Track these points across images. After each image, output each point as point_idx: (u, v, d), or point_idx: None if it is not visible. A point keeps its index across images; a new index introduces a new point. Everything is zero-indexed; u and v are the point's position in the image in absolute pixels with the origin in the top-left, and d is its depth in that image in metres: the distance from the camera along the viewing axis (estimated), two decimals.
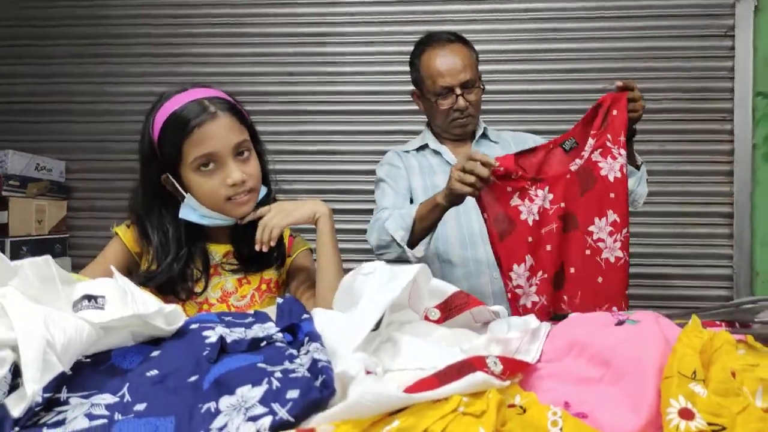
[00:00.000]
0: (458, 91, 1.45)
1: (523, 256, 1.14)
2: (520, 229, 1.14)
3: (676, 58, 2.20)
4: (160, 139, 1.03)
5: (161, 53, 2.33)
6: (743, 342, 0.54)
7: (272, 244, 1.06)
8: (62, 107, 2.35)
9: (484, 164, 1.11)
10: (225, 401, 0.46)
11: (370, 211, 2.21)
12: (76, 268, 2.27)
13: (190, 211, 1.05)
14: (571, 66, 2.23)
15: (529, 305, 1.13)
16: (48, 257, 0.55)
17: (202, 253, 1.10)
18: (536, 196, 1.16)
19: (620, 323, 0.58)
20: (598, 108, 1.19)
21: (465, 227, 1.47)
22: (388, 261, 1.39)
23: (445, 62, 1.46)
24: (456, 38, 1.50)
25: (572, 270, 1.16)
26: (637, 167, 1.34)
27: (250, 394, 0.45)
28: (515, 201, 1.15)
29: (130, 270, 1.09)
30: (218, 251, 1.12)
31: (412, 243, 1.33)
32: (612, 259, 1.15)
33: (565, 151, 1.20)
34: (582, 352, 0.55)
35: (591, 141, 1.18)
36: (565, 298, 1.15)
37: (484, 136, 1.60)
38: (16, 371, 0.48)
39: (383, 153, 2.19)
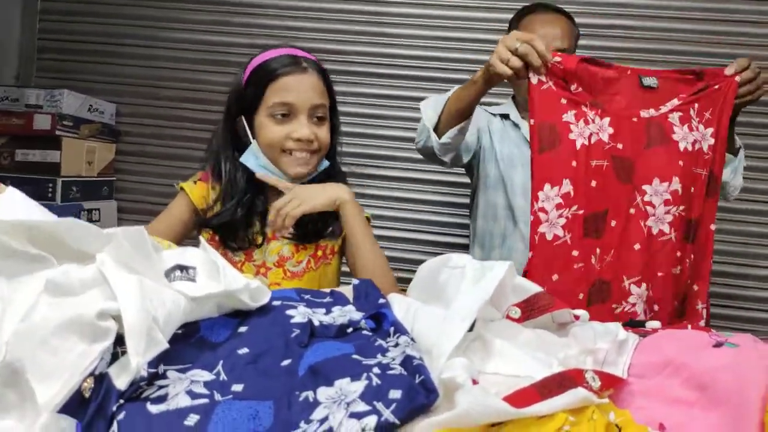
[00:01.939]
0: None
1: (560, 179, 1.00)
2: (565, 148, 1.00)
3: (733, 44, 2.06)
4: (248, 82, 1.08)
5: (214, 1, 2.30)
6: None
7: (285, 233, 1.06)
8: (115, 49, 2.34)
9: (539, 52, 0.98)
10: (324, 392, 0.46)
11: (414, 180, 2.22)
12: (122, 211, 2.32)
13: (251, 157, 1.08)
14: (630, 45, 2.13)
15: (550, 237, 0.99)
16: (141, 228, 0.55)
17: (264, 207, 1.11)
18: (592, 121, 1.02)
19: (718, 345, 0.56)
20: (700, 76, 1.06)
21: None
22: (420, 150, 1.36)
23: (543, 26, 1.41)
24: (559, 10, 1.47)
25: (613, 223, 1.02)
26: (735, 152, 1.21)
27: (349, 387, 0.45)
28: (568, 117, 1.01)
29: (194, 227, 1.12)
30: None
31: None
32: (655, 231, 1.02)
33: (640, 86, 1.05)
34: (676, 372, 0.54)
35: (675, 101, 1.05)
36: (598, 251, 1.01)
37: None
38: (116, 340, 0.48)
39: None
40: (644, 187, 1.03)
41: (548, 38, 1.38)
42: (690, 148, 1.04)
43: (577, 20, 2.14)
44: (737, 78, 1.03)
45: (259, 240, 1.10)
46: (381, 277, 1.00)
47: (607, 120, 1.03)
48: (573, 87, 1.03)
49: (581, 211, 1.00)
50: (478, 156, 1.54)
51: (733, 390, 0.50)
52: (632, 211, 1.03)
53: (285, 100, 1.05)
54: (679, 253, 1.03)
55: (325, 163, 1.12)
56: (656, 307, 1.03)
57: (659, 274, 1.02)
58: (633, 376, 0.55)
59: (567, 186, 1.00)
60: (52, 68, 2.36)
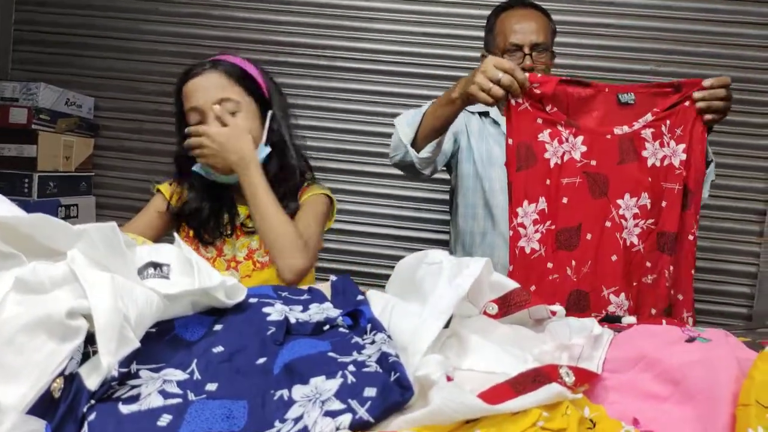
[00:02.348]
0: (527, 50, 1.41)
1: (536, 196, 1.05)
2: (540, 167, 1.05)
3: (727, 44, 2.12)
4: (176, 96, 1.14)
5: None
6: None
7: None
8: (93, 41, 2.30)
9: (519, 81, 1.02)
10: (298, 390, 0.45)
11: (390, 175, 2.22)
12: (101, 207, 2.29)
13: (199, 166, 1.12)
14: (618, 44, 2.16)
15: (528, 250, 1.05)
16: (113, 224, 0.54)
17: (231, 206, 1.17)
18: (566, 140, 1.06)
19: (691, 340, 0.57)
20: (678, 89, 1.07)
21: None
22: (396, 164, 1.36)
23: (519, 21, 1.44)
24: (535, 7, 1.49)
25: (589, 236, 1.06)
26: (707, 163, 1.19)
27: (324, 386, 0.45)
28: (543, 136, 1.06)
29: (171, 225, 1.16)
30: (243, 211, 1.17)
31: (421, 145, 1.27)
32: (629, 243, 1.06)
33: (618, 103, 1.08)
34: (649, 367, 0.54)
35: (648, 116, 1.08)
36: (573, 263, 1.05)
37: None
38: (86, 339, 0.47)
39: None
40: (618, 201, 1.07)
41: (526, 33, 1.41)
42: (658, 164, 1.07)
43: (567, 18, 2.18)
44: (697, 94, 1.05)
45: (228, 231, 1.14)
46: (287, 244, 1.03)
47: (580, 138, 1.07)
48: (548, 108, 1.06)
49: (553, 226, 1.05)
50: (456, 156, 1.55)
51: (705, 384, 0.50)
52: (608, 224, 1.06)
53: (190, 106, 1.09)
54: (648, 264, 1.07)
55: (264, 150, 1.11)
56: (637, 316, 1.01)
57: (634, 283, 1.07)
58: (607, 371, 0.56)
59: (542, 203, 1.05)
60: (29, 60, 2.32)
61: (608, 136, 1.07)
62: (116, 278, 0.50)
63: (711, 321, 2.15)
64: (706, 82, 1.06)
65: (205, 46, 2.23)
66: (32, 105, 1.97)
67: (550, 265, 1.05)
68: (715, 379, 0.50)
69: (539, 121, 1.06)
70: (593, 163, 1.06)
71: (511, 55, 1.41)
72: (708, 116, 1.06)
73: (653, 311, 1.07)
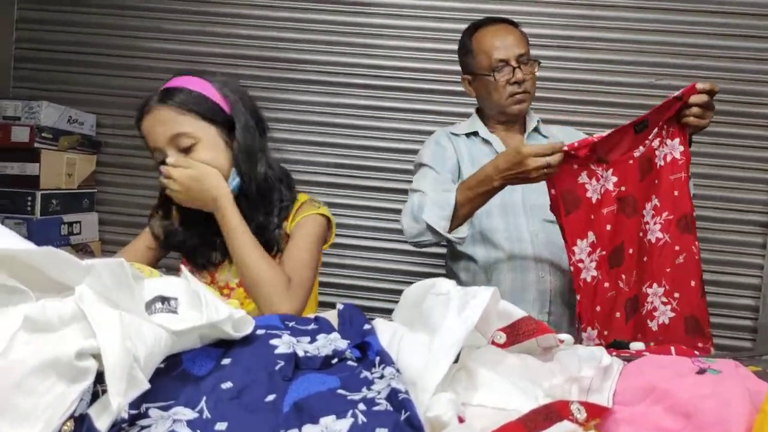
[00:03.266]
0: (514, 63, 1.43)
1: (585, 232, 1.18)
2: (584, 206, 1.18)
3: (727, 58, 2.13)
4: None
5: (196, 11, 2.28)
6: None
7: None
8: (94, 59, 2.31)
9: (553, 152, 1.12)
10: (309, 430, 0.45)
11: (394, 191, 2.22)
12: (104, 224, 2.29)
13: None
14: (618, 57, 2.17)
15: (588, 279, 1.18)
16: (122, 260, 0.54)
17: (218, 234, 1.10)
18: (601, 176, 1.18)
19: (701, 371, 0.56)
20: (676, 100, 1.16)
21: (512, 224, 1.45)
22: (422, 245, 1.38)
23: (498, 36, 1.46)
24: (505, 20, 1.51)
25: (630, 251, 1.21)
26: None
27: (335, 426, 0.45)
28: (583, 179, 1.18)
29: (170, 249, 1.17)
30: None
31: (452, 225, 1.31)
32: (653, 240, 1.21)
33: (635, 133, 1.21)
34: (660, 400, 0.54)
35: (656, 130, 1.20)
36: (623, 276, 1.20)
37: (536, 130, 1.57)
38: (95, 378, 0.47)
39: (414, 132, 2.19)
40: (643, 212, 1.23)
41: (508, 47, 1.44)
42: (662, 163, 1.22)
43: (568, 33, 2.19)
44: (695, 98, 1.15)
45: (218, 258, 1.12)
46: (271, 291, 1.00)
47: (610, 171, 1.19)
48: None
49: (604, 252, 1.19)
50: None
51: (717, 418, 0.50)
52: (641, 234, 1.23)
53: (150, 146, 1.06)
54: (677, 247, 1.20)
55: (235, 180, 1.07)
56: (676, 295, 1.20)
57: (667, 269, 1.20)
58: (618, 404, 0.56)
59: (591, 236, 1.19)
60: (30, 78, 2.33)
61: (630, 162, 1.20)
62: (125, 316, 0.50)
63: (716, 334, 2.13)
64: (699, 86, 1.14)
65: (207, 63, 2.24)
66: (34, 123, 1.98)
67: (606, 284, 1.19)
68: (727, 412, 0.50)
69: (575, 166, 1.18)
70: (623, 189, 1.20)
71: (500, 72, 1.42)
72: (691, 119, 1.16)
73: (692, 283, 1.20)
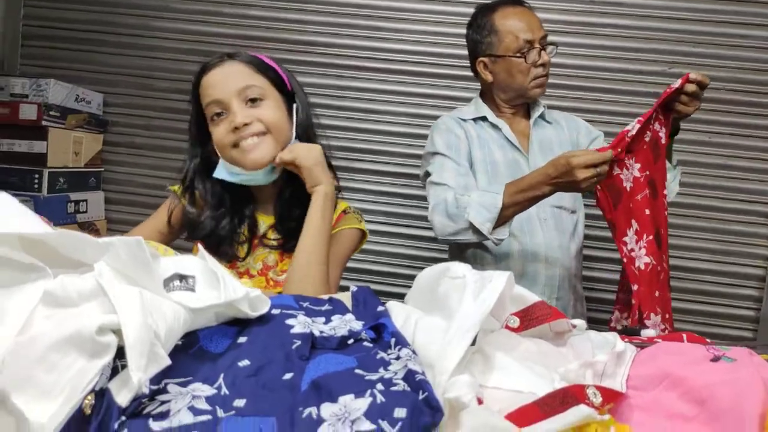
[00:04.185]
0: (539, 45, 1.42)
1: (630, 221, 1.19)
2: (625, 197, 1.20)
3: (741, 47, 2.11)
4: (192, 100, 1.08)
5: None
6: None
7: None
8: (103, 37, 2.30)
9: (603, 162, 1.14)
10: (327, 409, 0.45)
11: (403, 175, 2.21)
12: (110, 203, 2.30)
13: (222, 170, 1.05)
14: (629, 44, 2.14)
15: (642, 267, 1.18)
16: (140, 238, 0.54)
17: (251, 219, 1.10)
18: (630, 166, 1.20)
19: (716, 359, 0.56)
20: (675, 92, 1.19)
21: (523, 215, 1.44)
22: (452, 239, 1.34)
23: (524, 18, 1.44)
24: (521, 2, 1.49)
25: (662, 231, 1.23)
26: (673, 166, 1.37)
27: (354, 405, 0.45)
28: (616, 170, 1.19)
29: (186, 227, 1.12)
30: (265, 222, 1.11)
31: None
32: (666, 214, 1.26)
33: (649, 123, 1.24)
34: (674, 386, 0.54)
35: (654, 115, 1.22)
36: (664, 257, 1.22)
37: (541, 116, 1.56)
38: (116, 353, 0.48)
39: (421, 116, 2.17)
40: (664, 192, 1.26)
41: (534, 29, 1.44)
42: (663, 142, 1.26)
43: (579, 18, 2.17)
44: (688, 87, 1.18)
45: (243, 253, 1.08)
46: (299, 281, 0.97)
47: (633, 158, 1.21)
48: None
49: (651, 236, 1.20)
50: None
51: (731, 406, 0.50)
52: (666, 213, 1.25)
53: (212, 98, 1.02)
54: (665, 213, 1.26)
55: (294, 143, 1.06)
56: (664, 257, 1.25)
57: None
58: (631, 389, 0.56)
59: (635, 224, 1.20)
60: (38, 55, 2.32)
61: (645, 147, 1.22)
62: (144, 293, 0.50)
63: (719, 323, 2.15)
64: (691, 76, 1.17)
65: (216, 43, 2.23)
66: (42, 101, 1.98)
67: (659, 268, 1.20)
68: (742, 400, 0.50)
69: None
70: (647, 172, 1.22)
71: (529, 53, 1.41)
72: (680, 107, 1.21)
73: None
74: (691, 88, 1.18)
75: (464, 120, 1.52)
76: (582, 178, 1.13)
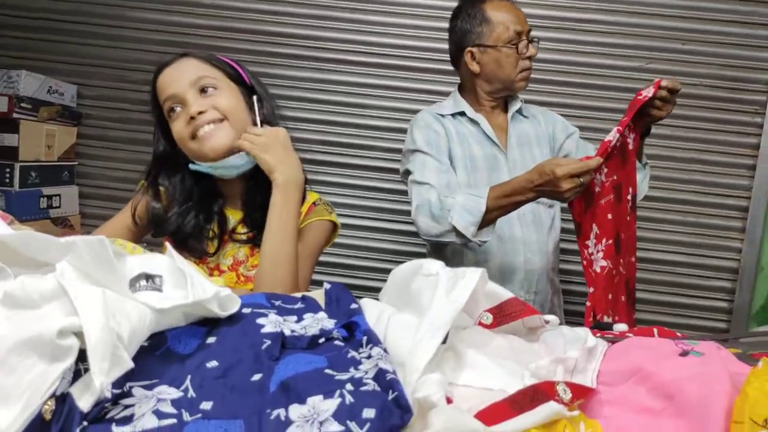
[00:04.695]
0: (527, 37, 1.43)
1: (591, 224, 1.22)
2: (595, 200, 1.22)
3: (716, 43, 2.13)
4: (151, 100, 1.08)
5: None
6: None
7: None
8: (77, 27, 2.25)
9: (587, 172, 1.15)
10: (296, 410, 0.45)
11: (385, 170, 2.20)
12: (84, 197, 2.26)
13: (195, 165, 1.04)
14: (608, 40, 2.16)
15: (598, 270, 1.21)
16: (103, 238, 0.52)
17: (220, 214, 1.08)
18: (601, 171, 1.21)
19: (684, 354, 0.57)
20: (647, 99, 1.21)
21: None
22: (435, 239, 1.34)
23: (513, 9, 1.45)
24: None
25: (623, 236, 1.25)
26: (643, 165, 1.39)
27: (322, 406, 0.44)
28: (591, 174, 1.21)
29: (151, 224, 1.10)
30: (234, 217, 1.09)
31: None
32: (628, 218, 1.28)
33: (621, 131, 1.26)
34: (643, 381, 0.55)
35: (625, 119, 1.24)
36: (622, 261, 1.24)
37: (518, 111, 1.56)
38: (78, 356, 0.46)
39: (401, 111, 2.17)
40: (627, 197, 1.27)
41: (521, 21, 1.45)
42: (631, 147, 1.28)
43: (559, 14, 2.17)
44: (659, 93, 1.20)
45: (212, 249, 1.06)
46: (267, 288, 0.94)
47: (604, 164, 1.21)
48: None
49: (610, 241, 1.22)
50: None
51: (699, 400, 0.51)
52: (628, 218, 1.27)
53: (167, 95, 1.02)
54: (628, 218, 1.28)
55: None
56: (633, 259, 1.30)
57: (622, 236, 1.27)
58: (602, 384, 0.56)
59: (595, 228, 1.22)
60: (9, 46, 2.26)
61: (615, 152, 1.23)
62: (107, 293, 0.49)
63: (693, 315, 2.19)
64: (663, 83, 1.19)
65: (193, 35, 2.19)
66: (13, 93, 1.93)
67: (614, 272, 1.22)
68: (709, 395, 0.51)
69: None
70: (614, 177, 1.23)
71: (518, 44, 1.42)
72: (653, 111, 1.22)
73: (632, 259, 1.29)
74: (662, 94, 1.20)
75: (443, 115, 1.51)
76: (566, 188, 1.14)
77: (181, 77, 1.01)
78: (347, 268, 2.25)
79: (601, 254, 1.21)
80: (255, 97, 1.07)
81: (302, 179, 1.02)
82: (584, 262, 1.21)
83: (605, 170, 1.22)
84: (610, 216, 1.22)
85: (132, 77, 2.23)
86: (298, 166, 1.02)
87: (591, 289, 1.19)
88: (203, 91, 1.02)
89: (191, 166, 1.04)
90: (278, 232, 0.97)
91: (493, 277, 1.40)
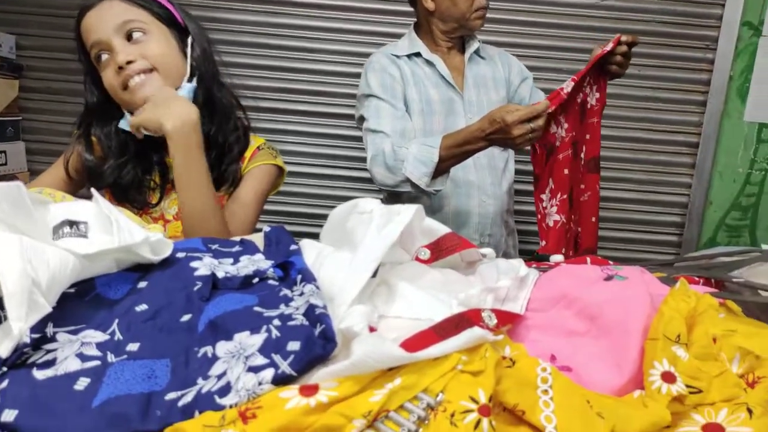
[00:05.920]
0: None
1: (548, 179, 1.25)
2: (555, 153, 1.23)
3: None
4: (78, 41, 1.01)
5: None
6: (723, 306, 0.56)
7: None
8: None
9: (537, 116, 1.14)
10: (222, 347, 0.45)
11: (340, 116, 2.17)
12: (31, 153, 2.17)
13: (124, 120, 0.99)
14: None
15: (551, 224, 1.23)
16: (19, 183, 0.51)
17: (161, 164, 1.05)
18: (561, 123, 1.23)
19: (609, 278, 0.59)
20: (607, 53, 1.25)
21: None
22: (391, 188, 1.35)
23: None
24: None
25: (581, 196, 1.28)
26: None
27: (249, 341, 0.45)
28: (553, 128, 1.23)
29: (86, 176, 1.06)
30: None
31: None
32: (581, 176, 1.30)
33: (582, 84, 1.27)
34: (570, 305, 0.57)
35: (587, 77, 1.27)
36: (573, 217, 1.27)
37: (476, 52, 1.54)
38: None
39: (358, 54, 2.12)
40: (581, 154, 1.30)
41: None
42: (589, 106, 1.30)
43: None
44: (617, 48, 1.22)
45: (155, 199, 1.03)
46: (194, 232, 0.92)
47: (563, 117, 1.24)
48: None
49: (565, 196, 1.24)
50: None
51: (618, 320, 0.53)
52: (580, 175, 1.29)
53: (92, 41, 0.96)
54: (583, 185, 1.32)
55: (187, 87, 0.99)
56: (579, 230, 1.31)
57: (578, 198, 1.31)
58: (530, 311, 0.58)
59: (551, 183, 1.25)
60: None
61: (576, 108, 1.26)
62: (24, 240, 0.47)
63: (644, 249, 2.27)
64: (623, 38, 1.22)
65: None
66: None
67: (567, 227, 1.23)
68: (628, 315, 0.53)
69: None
70: (574, 133, 1.24)
71: None
72: (614, 68, 1.26)
73: (593, 219, 1.32)
74: (622, 49, 1.21)
75: (398, 57, 1.48)
76: (517, 134, 1.14)
77: (106, 21, 0.95)
78: (302, 216, 2.25)
79: (555, 209, 1.23)
80: (189, 41, 1.02)
81: (194, 117, 0.93)
82: (538, 216, 1.24)
83: (566, 125, 1.22)
84: (566, 171, 1.24)
85: (71, 25, 2.10)
86: (184, 104, 0.93)
87: (543, 243, 1.22)
88: (130, 36, 0.96)
89: (121, 125, 1.00)
90: (188, 185, 0.92)
91: (449, 221, 1.43)
